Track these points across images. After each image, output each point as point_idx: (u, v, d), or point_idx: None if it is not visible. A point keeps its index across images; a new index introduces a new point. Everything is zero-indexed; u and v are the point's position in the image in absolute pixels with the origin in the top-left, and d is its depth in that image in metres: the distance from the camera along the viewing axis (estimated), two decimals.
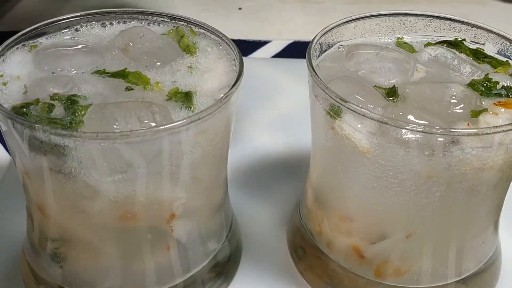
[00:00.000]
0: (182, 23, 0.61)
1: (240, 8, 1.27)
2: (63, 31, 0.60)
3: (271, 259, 0.67)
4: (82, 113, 0.48)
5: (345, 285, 0.62)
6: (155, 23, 0.62)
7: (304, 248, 0.66)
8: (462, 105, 0.52)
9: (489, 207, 0.57)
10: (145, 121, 0.47)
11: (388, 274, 0.58)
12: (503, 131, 0.48)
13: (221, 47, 0.59)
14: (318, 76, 0.53)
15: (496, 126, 0.48)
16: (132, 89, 0.52)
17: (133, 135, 0.45)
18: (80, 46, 0.57)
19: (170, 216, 0.54)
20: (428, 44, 0.63)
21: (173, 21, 0.61)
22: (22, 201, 0.58)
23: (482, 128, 0.49)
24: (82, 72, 0.54)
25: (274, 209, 0.74)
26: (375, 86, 0.55)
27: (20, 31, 0.57)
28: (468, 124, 0.50)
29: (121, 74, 0.53)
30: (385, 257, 0.58)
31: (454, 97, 0.53)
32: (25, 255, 0.62)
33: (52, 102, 0.49)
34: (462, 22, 0.63)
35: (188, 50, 0.58)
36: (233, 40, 0.58)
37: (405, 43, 0.63)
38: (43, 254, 0.58)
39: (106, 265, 0.56)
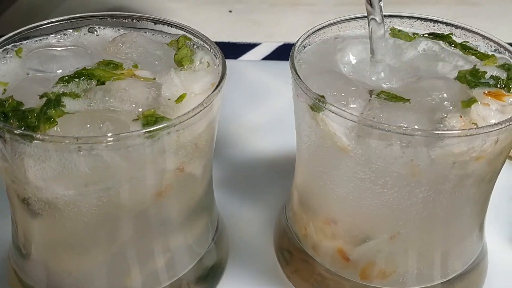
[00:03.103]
0: (165, 26, 0.61)
1: (230, 11, 1.27)
2: (56, 33, 0.60)
3: (258, 262, 0.67)
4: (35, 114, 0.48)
5: None
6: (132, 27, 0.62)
7: (291, 251, 0.65)
8: (451, 98, 0.52)
9: (473, 208, 0.57)
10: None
11: (374, 276, 0.58)
12: (484, 132, 0.48)
13: (215, 66, 0.57)
14: (301, 79, 0.53)
15: (479, 127, 0.48)
16: (104, 83, 0.52)
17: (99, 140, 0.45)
18: (67, 48, 0.58)
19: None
20: (416, 35, 0.63)
21: (157, 24, 0.61)
22: (7, 209, 0.57)
23: (463, 130, 0.48)
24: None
25: (261, 212, 0.74)
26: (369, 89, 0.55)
27: None
28: (461, 117, 0.50)
29: (83, 74, 0.53)
30: (369, 259, 0.58)
31: (442, 89, 0.53)
32: (11, 263, 0.61)
33: (20, 100, 0.49)
34: (447, 24, 0.64)
35: (181, 63, 0.57)
36: (224, 43, 0.58)
37: (399, 31, 0.63)
38: (29, 260, 0.57)
39: (91, 269, 0.56)
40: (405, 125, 0.48)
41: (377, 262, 0.57)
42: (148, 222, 0.54)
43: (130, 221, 0.53)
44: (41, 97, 0.50)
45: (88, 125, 0.46)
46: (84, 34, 0.61)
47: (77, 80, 0.52)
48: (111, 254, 0.55)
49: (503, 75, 0.55)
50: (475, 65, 0.57)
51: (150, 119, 0.48)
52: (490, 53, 0.60)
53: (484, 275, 0.65)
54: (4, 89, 0.52)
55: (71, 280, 0.56)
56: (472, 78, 0.55)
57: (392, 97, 0.52)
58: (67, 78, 0.52)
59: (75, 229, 0.52)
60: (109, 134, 0.45)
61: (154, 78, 0.54)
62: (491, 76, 0.55)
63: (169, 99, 0.52)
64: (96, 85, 0.52)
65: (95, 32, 0.61)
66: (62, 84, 0.52)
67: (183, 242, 0.59)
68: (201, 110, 0.49)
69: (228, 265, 0.67)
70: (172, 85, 0.53)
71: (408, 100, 0.52)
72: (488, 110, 0.51)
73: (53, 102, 0.49)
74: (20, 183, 0.50)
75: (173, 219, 0.56)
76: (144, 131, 0.46)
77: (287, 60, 0.56)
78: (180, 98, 0.52)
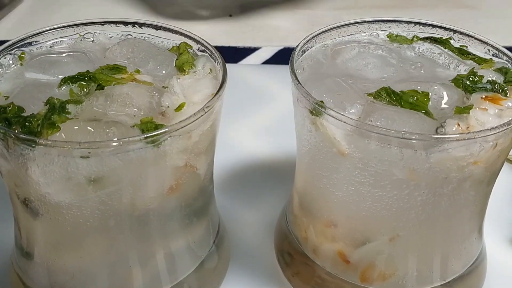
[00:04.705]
0: (167, 32, 0.62)
1: (230, 15, 1.28)
2: (57, 39, 0.61)
3: (259, 265, 0.68)
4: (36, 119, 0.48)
5: None
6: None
7: (292, 254, 0.66)
8: (447, 103, 0.53)
9: (472, 211, 0.57)
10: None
11: (374, 278, 0.59)
12: (482, 137, 0.48)
13: (215, 74, 0.57)
14: (300, 83, 0.53)
15: (476, 132, 0.48)
16: (103, 87, 0.52)
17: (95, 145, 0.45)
18: (68, 54, 0.58)
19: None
20: (415, 37, 0.63)
21: (158, 30, 0.62)
22: (8, 213, 0.58)
23: (461, 134, 0.49)
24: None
25: (261, 216, 0.74)
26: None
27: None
28: (458, 124, 0.50)
29: (86, 75, 0.53)
30: (369, 261, 0.58)
31: (438, 95, 0.53)
32: (14, 267, 0.62)
33: (23, 106, 0.50)
34: (445, 28, 0.64)
35: (182, 68, 0.57)
36: (223, 47, 0.58)
37: (397, 35, 0.64)
38: (32, 263, 0.58)
39: (93, 272, 0.56)
40: (404, 130, 0.49)
41: (377, 264, 0.58)
42: (150, 225, 0.54)
43: (132, 225, 0.53)
44: (46, 103, 0.50)
45: (93, 130, 0.47)
46: (86, 39, 0.61)
47: (80, 82, 0.53)
48: (113, 257, 0.55)
49: (500, 79, 0.56)
50: (473, 68, 0.58)
51: (150, 126, 0.48)
52: (488, 58, 0.61)
53: (483, 277, 0.65)
54: (5, 97, 0.52)
55: (73, 283, 0.57)
56: (469, 83, 0.55)
57: (391, 94, 0.53)
58: (69, 79, 0.53)
59: (78, 232, 0.53)
60: (114, 139, 0.46)
61: (164, 87, 0.54)
62: (488, 81, 0.56)
63: (168, 106, 0.52)
64: (96, 90, 0.52)
65: (96, 37, 0.62)
66: (64, 86, 0.52)
67: (185, 245, 0.59)
68: (202, 115, 0.49)
69: (229, 268, 0.67)
70: (172, 94, 0.54)
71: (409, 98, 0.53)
72: (486, 115, 0.51)
73: (58, 108, 0.50)
74: (23, 186, 0.51)
75: (174, 222, 0.57)
76: (145, 136, 0.46)
77: (287, 64, 0.57)
78: (180, 107, 0.52)
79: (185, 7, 1.30)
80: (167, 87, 0.54)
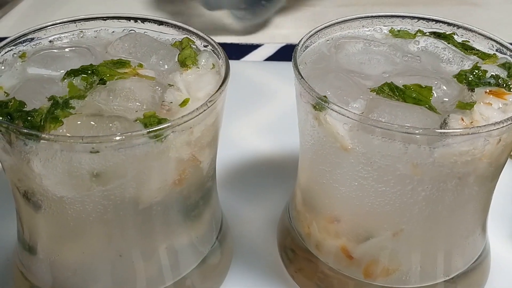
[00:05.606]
0: (169, 27, 0.62)
1: None
2: (59, 34, 0.61)
3: (262, 261, 0.68)
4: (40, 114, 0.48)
5: (335, 287, 0.62)
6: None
7: (294, 250, 0.66)
8: (449, 98, 0.53)
9: (476, 206, 0.57)
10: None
11: (377, 274, 0.59)
12: (486, 131, 0.48)
13: (217, 69, 0.57)
14: (303, 78, 0.53)
15: (480, 126, 0.48)
16: (105, 82, 0.52)
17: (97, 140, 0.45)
18: (70, 49, 0.58)
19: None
20: (420, 32, 0.63)
21: (161, 25, 0.62)
22: (9, 211, 0.58)
23: (465, 128, 0.49)
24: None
25: (264, 212, 0.74)
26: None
27: None
28: (462, 119, 0.50)
29: (89, 68, 0.53)
30: (373, 256, 0.58)
31: (440, 90, 0.53)
32: (16, 262, 0.62)
33: (24, 101, 0.50)
34: (448, 24, 0.64)
35: (184, 63, 0.57)
36: (226, 44, 0.58)
37: (399, 31, 0.64)
38: (34, 259, 0.58)
39: (95, 266, 0.56)
40: (407, 124, 0.49)
41: (380, 260, 0.58)
42: (153, 221, 0.54)
43: (134, 220, 0.53)
44: (50, 99, 0.50)
45: (96, 125, 0.47)
46: (88, 35, 0.61)
47: (83, 75, 0.52)
48: (115, 252, 0.55)
49: (504, 73, 0.56)
50: (476, 62, 0.58)
51: (153, 120, 0.48)
52: (492, 53, 0.60)
53: (487, 273, 0.65)
54: (6, 93, 0.52)
55: (75, 279, 0.57)
56: (473, 78, 0.55)
57: (394, 89, 0.53)
58: (72, 73, 0.53)
59: (80, 227, 0.53)
60: (117, 134, 0.46)
61: (170, 85, 0.54)
62: (492, 76, 0.56)
63: (171, 102, 0.52)
64: (98, 84, 0.52)
65: (99, 33, 0.61)
66: (67, 80, 0.52)
67: (187, 241, 0.59)
68: (204, 110, 0.49)
69: (232, 264, 0.67)
70: (175, 89, 0.54)
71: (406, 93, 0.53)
72: (491, 110, 0.51)
73: (61, 104, 0.49)
74: (25, 181, 0.51)
75: (177, 218, 0.57)
76: (148, 130, 0.46)
77: (290, 60, 0.57)
78: (184, 102, 0.52)
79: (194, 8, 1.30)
80: (172, 85, 0.54)
